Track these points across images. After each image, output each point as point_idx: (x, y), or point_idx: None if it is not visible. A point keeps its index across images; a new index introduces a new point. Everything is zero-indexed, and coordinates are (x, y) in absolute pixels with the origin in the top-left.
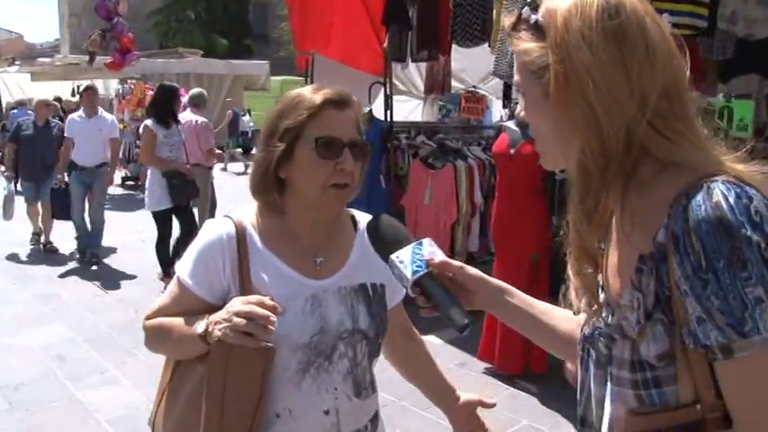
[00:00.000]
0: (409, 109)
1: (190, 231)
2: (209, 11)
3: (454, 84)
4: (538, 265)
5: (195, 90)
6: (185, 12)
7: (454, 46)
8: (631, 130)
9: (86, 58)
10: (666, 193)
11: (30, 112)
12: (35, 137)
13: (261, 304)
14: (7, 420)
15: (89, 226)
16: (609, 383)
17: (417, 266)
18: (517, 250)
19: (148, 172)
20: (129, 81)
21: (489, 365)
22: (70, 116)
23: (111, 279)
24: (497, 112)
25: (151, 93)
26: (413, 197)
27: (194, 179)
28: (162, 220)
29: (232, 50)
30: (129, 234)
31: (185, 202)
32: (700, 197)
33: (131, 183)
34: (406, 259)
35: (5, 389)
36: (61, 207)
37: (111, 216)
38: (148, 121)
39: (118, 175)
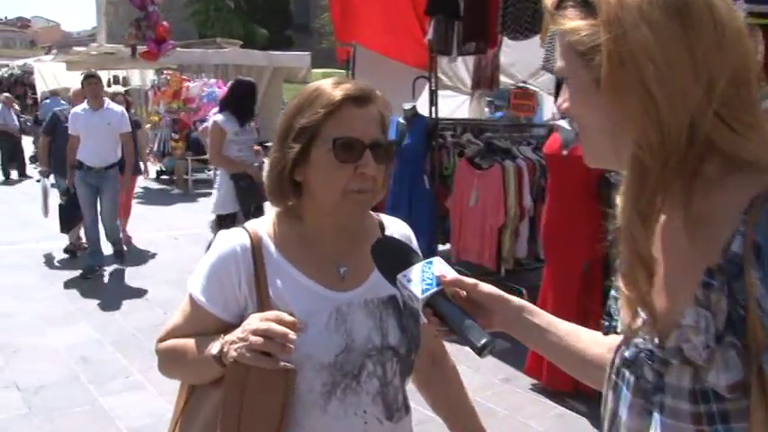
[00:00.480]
0: (455, 105)
1: None
2: (249, 0)
3: (503, 79)
4: (591, 275)
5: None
6: (224, 0)
7: (504, 39)
8: (696, 121)
9: (123, 47)
10: (739, 196)
11: (63, 102)
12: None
13: (279, 321)
14: (25, 426)
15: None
16: (658, 415)
17: (427, 284)
18: (568, 258)
19: (218, 171)
20: (165, 72)
21: (536, 382)
22: (73, 110)
23: (141, 278)
24: (549, 109)
25: (188, 84)
26: (458, 199)
27: (262, 182)
28: (226, 224)
29: (272, 41)
30: (162, 231)
31: (252, 206)
32: None
33: (166, 177)
34: (415, 277)
35: (26, 392)
36: (68, 216)
37: (143, 211)
38: (218, 117)
39: (152, 169)
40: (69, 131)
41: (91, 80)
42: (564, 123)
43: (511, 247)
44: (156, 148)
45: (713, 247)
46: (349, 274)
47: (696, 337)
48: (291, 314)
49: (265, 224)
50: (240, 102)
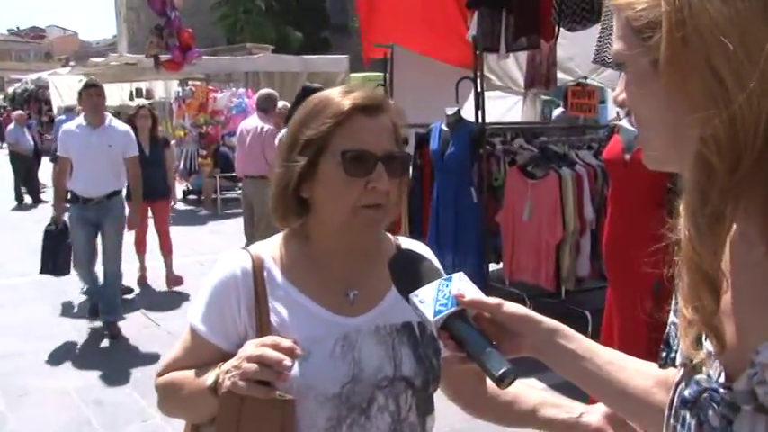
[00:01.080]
0: (506, 107)
1: None
2: (281, 0)
3: (560, 75)
4: (661, 296)
5: (263, 91)
6: (254, 2)
7: (560, 30)
8: None
9: (145, 57)
10: None
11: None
12: None
13: (275, 346)
14: None
15: (101, 280)
16: None
17: (442, 305)
18: (636, 277)
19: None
20: (190, 82)
21: None
22: (65, 126)
23: (165, 306)
24: (613, 109)
25: (215, 95)
26: (510, 212)
27: None
28: None
29: (307, 44)
30: (188, 256)
31: None
32: None
33: (194, 197)
34: (428, 297)
35: None
36: (55, 257)
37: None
38: (284, 133)
39: (179, 188)
40: (58, 152)
41: (90, 90)
42: (626, 123)
43: (571, 265)
44: (181, 165)
45: None
46: (359, 298)
47: None
48: (294, 341)
49: (271, 246)
50: None
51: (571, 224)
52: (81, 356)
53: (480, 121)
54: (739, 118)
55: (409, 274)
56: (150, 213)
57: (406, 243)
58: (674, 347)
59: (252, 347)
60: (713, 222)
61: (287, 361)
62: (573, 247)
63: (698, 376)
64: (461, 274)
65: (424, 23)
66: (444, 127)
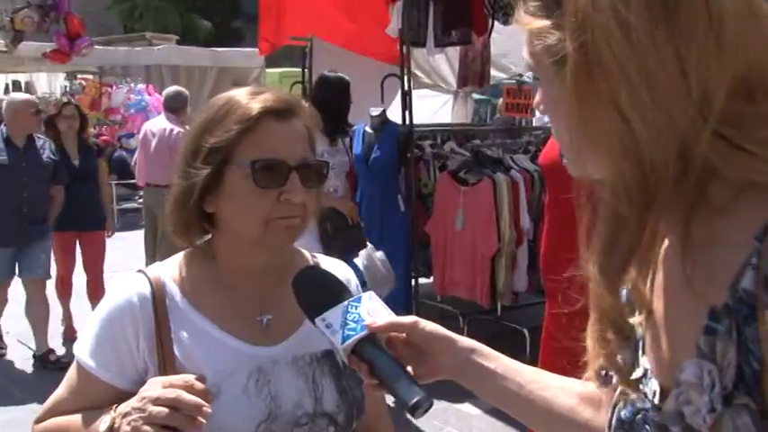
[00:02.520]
0: (435, 107)
1: None
2: None
3: (494, 73)
4: None
5: (171, 89)
6: None
7: (494, 23)
8: (689, 146)
9: (23, 44)
10: (750, 222)
11: None
12: (13, 166)
13: (189, 388)
14: None
15: None
16: None
17: (350, 330)
18: (572, 292)
19: None
20: (79, 76)
21: None
22: None
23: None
24: None
25: (110, 90)
26: (441, 222)
27: (359, 223)
28: None
29: (217, 35)
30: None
31: (346, 256)
32: None
33: None
34: (335, 322)
35: None
36: None
37: None
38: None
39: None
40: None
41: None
42: None
43: (507, 279)
44: None
45: (719, 282)
46: (274, 324)
47: (699, 397)
48: (202, 378)
49: (171, 267)
50: (327, 108)
51: (507, 234)
52: None
53: (408, 122)
54: (648, 158)
55: (314, 294)
56: (78, 246)
57: (325, 261)
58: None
59: (158, 388)
60: (619, 269)
61: (206, 407)
62: (509, 259)
63: (633, 396)
64: (371, 293)
65: (346, 13)
66: (368, 129)
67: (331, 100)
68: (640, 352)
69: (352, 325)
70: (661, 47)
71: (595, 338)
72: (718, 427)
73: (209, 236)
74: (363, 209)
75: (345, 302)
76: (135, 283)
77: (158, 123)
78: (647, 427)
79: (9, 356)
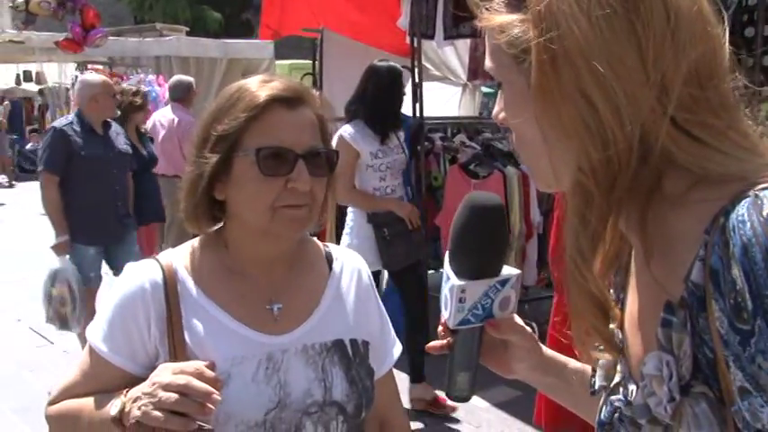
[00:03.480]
0: (443, 99)
1: (415, 315)
2: None
3: None
4: None
5: (174, 79)
6: None
7: None
8: (648, 132)
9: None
10: (701, 214)
11: None
12: (104, 158)
13: (199, 375)
14: None
15: None
16: None
17: (474, 316)
18: None
19: (349, 210)
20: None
21: None
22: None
23: None
24: None
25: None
26: (450, 215)
27: (420, 227)
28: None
29: (227, 27)
30: None
31: (405, 264)
32: (743, 211)
33: None
34: (471, 299)
35: None
36: None
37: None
38: (346, 130)
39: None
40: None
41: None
42: None
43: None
44: None
45: (675, 276)
46: (284, 312)
47: (660, 388)
48: (212, 365)
49: (184, 254)
50: (378, 102)
51: (516, 228)
52: None
53: (418, 115)
54: (613, 140)
55: (484, 250)
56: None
57: (337, 251)
58: (597, 371)
59: (169, 374)
60: (591, 246)
61: (216, 394)
62: (518, 252)
63: (612, 396)
64: (519, 274)
65: (356, 4)
66: None
67: (380, 93)
68: (620, 356)
69: (479, 312)
70: (622, 36)
71: (577, 333)
72: (678, 415)
73: (221, 224)
74: None
75: (493, 283)
76: (147, 270)
77: (166, 114)
78: (623, 423)
79: (23, 344)
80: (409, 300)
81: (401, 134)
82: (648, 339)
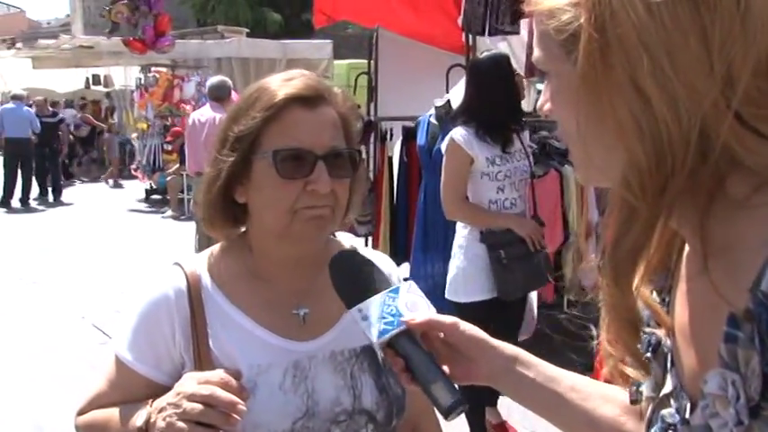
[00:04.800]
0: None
1: None
2: None
3: None
4: None
5: (215, 79)
6: None
7: None
8: (709, 128)
9: (102, 39)
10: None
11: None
12: None
13: (224, 385)
14: None
15: None
16: None
17: (388, 323)
18: None
19: (459, 226)
20: (153, 69)
21: None
22: None
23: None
24: None
25: (182, 83)
26: None
27: (544, 248)
28: (475, 319)
29: (287, 28)
30: (153, 262)
31: (522, 294)
32: None
33: (158, 197)
34: (373, 314)
35: None
36: None
37: (125, 239)
38: (458, 133)
39: (141, 187)
40: None
41: None
42: None
43: (574, 274)
44: (144, 161)
45: (739, 285)
46: (311, 318)
47: (724, 409)
48: (238, 373)
49: (207, 260)
50: (486, 101)
51: (574, 227)
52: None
53: None
54: (666, 139)
55: (352, 280)
56: None
57: (366, 253)
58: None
59: (194, 384)
60: (636, 254)
61: (241, 405)
62: (576, 252)
63: (664, 411)
64: (411, 283)
65: (410, 2)
66: (433, 120)
67: (488, 89)
68: (669, 365)
69: (390, 318)
70: (684, 21)
71: (610, 341)
72: None
73: (244, 227)
74: (427, 201)
75: (384, 293)
76: (171, 277)
77: (205, 113)
78: None
79: (85, 342)
80: (501, 332)
81: (525, 135)
82: (705, 352)
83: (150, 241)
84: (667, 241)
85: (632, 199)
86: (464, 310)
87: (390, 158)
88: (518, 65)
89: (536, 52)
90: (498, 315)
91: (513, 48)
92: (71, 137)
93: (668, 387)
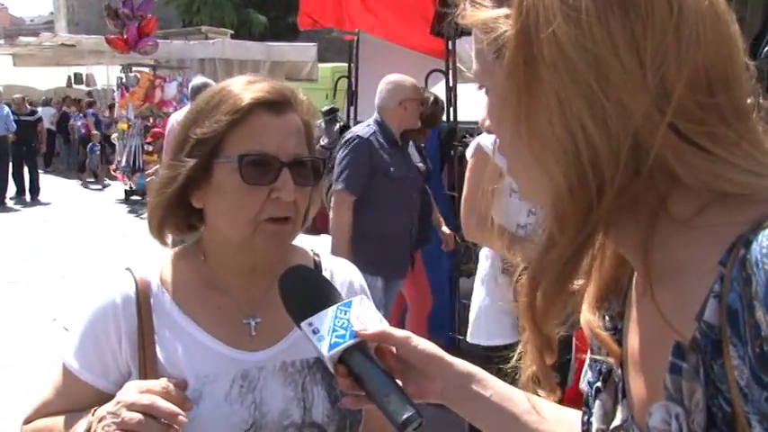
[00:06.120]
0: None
1: None
2: None
3: None
4: None
5: (197, 80)
6: None
7: None
8: (642, 141)
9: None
10: (714, 242)
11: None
12: (409, 178)
13: (166, 394)
14: None
15: None
16: None
17: (339, 336)
18: None
19: (482, 255)
20: (135, 68)
21: None
22: None
23: None
24: None
25: (163, 84)
26: None
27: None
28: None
29: (272, 30)
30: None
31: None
32: (767, 241)
33: (137, 198)
34: (323, 327)
35: None
36: None
37: (102, 241)
38: (487, 137)
39: (120, 188)
40: None
41: None
42: None
43: None
44: (124, 162)
45: (684, 314)
46: (264, 327)
47: None
48: (183, 383)
49: (159, 266)
50: None
51: None
52: None
53: (452, 118)
54: (589, 159)
55: (301, 295)
56: None
57: (328, 261)
58: (593, 409)
59: (134, 392)
60: (565, 270)
61: (182, 416)
62: None
63: None
64: (363, 297)
65: (388, 6)
66: None
67: None
68: (620, 396)
69: (341, 332)
70: (615, 32)
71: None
72: None
73: (199, 234)
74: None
75: (334, 306)
76: (119, 283)
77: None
78: None
79: (55, 345)
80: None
81: None
82: (653, 382)
83: (128, 243)
84: (615, 264)
85: (562, 205)
86: (490, 356)
87: None
88: None
89: (474, 65)
90: None
91: None
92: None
93: (618, 419)
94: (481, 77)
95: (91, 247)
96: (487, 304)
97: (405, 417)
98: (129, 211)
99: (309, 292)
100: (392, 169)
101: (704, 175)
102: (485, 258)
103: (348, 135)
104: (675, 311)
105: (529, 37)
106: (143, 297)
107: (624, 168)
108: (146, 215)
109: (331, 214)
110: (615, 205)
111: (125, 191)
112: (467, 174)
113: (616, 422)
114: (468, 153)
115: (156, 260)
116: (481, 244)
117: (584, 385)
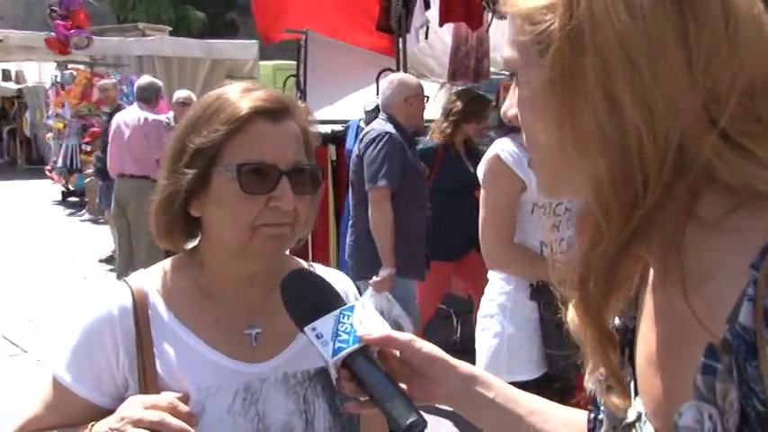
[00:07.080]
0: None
1: None
2: None
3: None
4: None
5: (144, 79)
6: None
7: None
8: (688, 144)
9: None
10: (744, 245)
11: None
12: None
13: (174, 410)
14: None
15: None
16: None
17: (342, 341)
18: None
19: (497, 278)
20: (70, 66)
21: None
22: None
23: (30, 329)
24: None
25: (102, 81)
26: None
27: None
28: None
29: (211, 27)
30: (69, 269)
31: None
32: None
33: (75, 199)
34: (327, 332)
35: None
36: None
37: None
38: (504, 148)
39: (58, 189)
40: None
41: None
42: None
43: None
44: (60, 162)
45: (716, 315)
46: (264, 338)
47: None
48: (185, 396)
49: (155, 276)
50: None
51: None
52: None
53: None
54: (635, 153)
55: (304, 300)
56: None
57: (323, 271)
58: (601, 407)
59: (139, 409)
60: (612, 272)
61: None
62: None
63: None
64: (365, 302)
65: (333, 3)
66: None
67: None
68: (632, 393)
69: (344, 336)
70: (669, 32)
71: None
72: None
73: (197, 241)
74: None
75: (337, 311)
76: (115, 295)
77: (131, 114)
78: None
79: None
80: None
81: None
82: (675, 382)
83: (67, 246)
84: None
85: (605, 203)
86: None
87: (333, 162)
88: (440, 68)
89: (509, 52)
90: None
91: (435, 50)
92: None
93: (631, 416)
94: (517, 64)
95: (29, 250)
96: (512, 333)
97: (409, 422)
98: (67, 213)
99: (312, 296)
100: (419, 165)
101: (745, 175)
102: (501, 280)
103: (372, 133)
104: (705, 314)
105: (580, 28)
106: (140, 308)
107: (669, 167)
108: (84, 216)
109: (372, 213)
110: (659, 203)
111: (62, 192)
112: (483, 192)
113: (630, 418)
114: (482, 168)
115: (151, 270)
116: (504, 269)
117: (590, 384)
